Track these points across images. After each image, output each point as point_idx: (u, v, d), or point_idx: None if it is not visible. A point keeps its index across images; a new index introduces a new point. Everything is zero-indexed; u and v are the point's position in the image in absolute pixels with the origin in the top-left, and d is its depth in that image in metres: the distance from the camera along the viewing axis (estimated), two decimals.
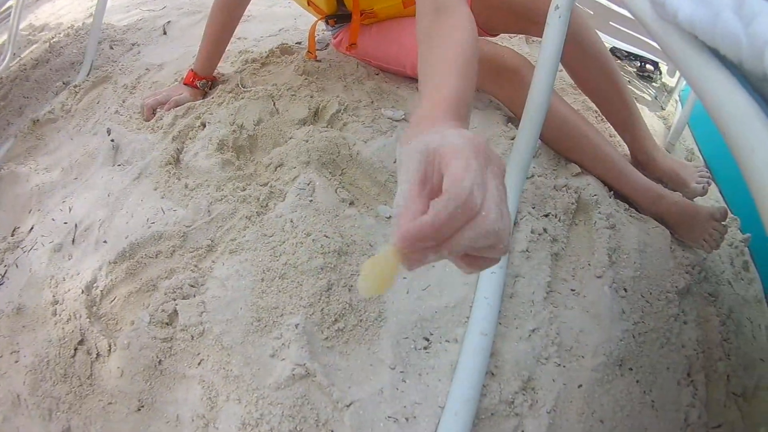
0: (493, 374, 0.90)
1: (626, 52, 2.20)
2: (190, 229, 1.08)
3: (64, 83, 1.94)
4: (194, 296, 0.97)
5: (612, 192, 1.28)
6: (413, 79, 1.50)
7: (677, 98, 2.03)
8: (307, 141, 1.19)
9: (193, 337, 0.93)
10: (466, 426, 0.82)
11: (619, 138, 1.50)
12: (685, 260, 1.16)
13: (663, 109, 1.98)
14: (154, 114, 1.48)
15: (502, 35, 1.83)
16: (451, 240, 0.47)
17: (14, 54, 2.33)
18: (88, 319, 1.01)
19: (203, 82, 1.51)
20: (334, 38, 1.62)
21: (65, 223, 1.24)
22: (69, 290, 1.08)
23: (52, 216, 1.27)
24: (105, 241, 1.14)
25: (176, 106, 1.45)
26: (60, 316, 1.05)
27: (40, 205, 1.35)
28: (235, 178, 1.18)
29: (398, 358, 0.90)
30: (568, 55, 1.34)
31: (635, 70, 2.20)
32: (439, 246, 0.47)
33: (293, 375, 0.86)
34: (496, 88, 1.38)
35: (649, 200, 1.28)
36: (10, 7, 2.54)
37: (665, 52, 0.58)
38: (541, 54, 0.97)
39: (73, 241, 1.18)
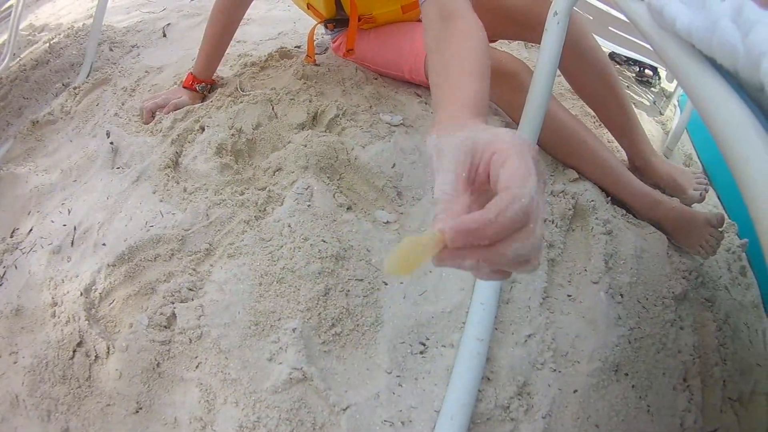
0: (488, 379, 0.90)
1: (625, 57, 2.21)
2: (188, 232, 1.08)
3: (63, 85, 1.94)
4: (192, 300, 0.98)
5: (609, 197, 1.28)
6: (411, 84, 1.51)
7: (676, 103, 2.04)
8: (305, 146, 1.19)
9: (191, 340, 0.93)
10: (461, 430, 0.83)
11: (617, 143, 1.51)
12: (681, 266, 1.16)
13: (661, 114, 1.99)
14: (153, 117, 1.48)
15: (500, 41, 1.84)
16: (498, 246, 0.44)
17: (14, 54, 2.34)
18: (86, 322, 1.01)
19: (202, 85, 1.51)
20: (333, 42, 1.63)
21: (64, 225, 1.24)
22: (68, 292, 1.08)
23: (51, 218, 1.28)
24: (104, 244, 1.14)
25: (175, 110, 1.45)
26: (59, 318, 1.06)
27: (39, 207, 1.35)
28: (234, 182, 1.18)
29: (395, 362, 0.91)
30: (567, 60, 1.34)
31: (634, 75, 2.21)
32: (488, 249, 0.44)
33: (290, 379, 0.86)
34: (494, 93, 1.37)
35: (646, 206, 1.29)
36: (10, 7, 2.55)
37: (662, 59, 0.58)
38: (540, 59, 0.97)
39: (72, 243, 1.19)
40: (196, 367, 0.92)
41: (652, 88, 2.17)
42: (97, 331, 1.01)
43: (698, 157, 1.76)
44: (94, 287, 1.07)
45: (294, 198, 1.08)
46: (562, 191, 1.22)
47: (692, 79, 0.52)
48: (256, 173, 1.22)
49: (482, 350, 0.90)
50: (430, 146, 0.56)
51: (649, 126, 1.83)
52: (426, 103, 1.45)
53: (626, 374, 0.97)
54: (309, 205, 1.08)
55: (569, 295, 1.06)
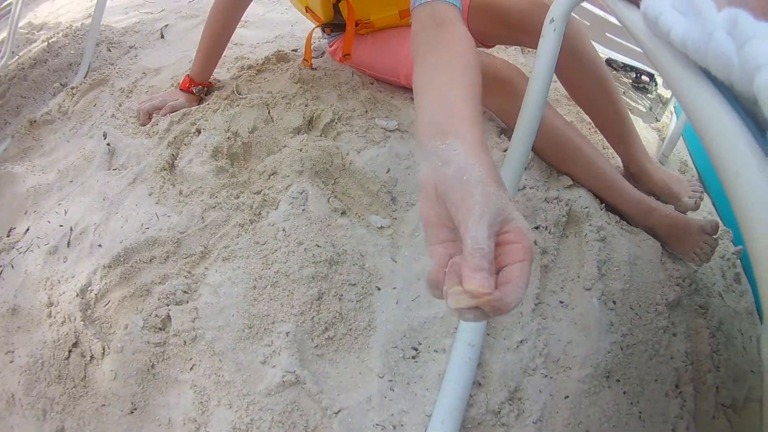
0: (480, 384, 0.91)
1: (622, 63, 2.21)
2: (183, 235, 1.09)
3: (61, 84, 1.95)
4: (187, 302, 0.98)
5: (603, 204, 1.29)
6: (407, 89, 1.51)
7: (672, 110, 2.04)
8: (300, 150, 1.20)
9: (185, 342, 0.94)
10: None
11: (612, 149, 1.51)
12: (675, 273, 1.17)
13: (658, 120, 1.99)
14: (150, 119, 1.49)
15: (497, 46, 1.84)
16: None
17: (13, 52, 2.35)
18: (82, 322, 1.02)
19: (199, 87, 1.52)
20: (330, 46, 1.64)
21: (60, 225, 1.24)
22: (64, 293, 1.09)
23: (47, 218, 1.28)
24: (100, 245, 1.14)
25: (172, 112, 1.46)
26: (55, 318, 1.07)
27: (36, 207, 1.36)
28: (229, 185, 1.19)
29: (387, 366, 0.91)
30: (563, 65, 1.34)
31: (631, 81, 2.21)
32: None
33: (283, 382, 0.87)
34: (490, 99, 1.38)
35: (640, 213, 1.29)
36: (10, 4, 2.55)
37: (656, 68, 0.59)
38: (536, 66, 0.97)
39: (69, 243, 1.19)
40: (191, 369, 0.92)
41: (649, 95, 2.18)
42: (93, 332, 1.01)
43: (694, 164, 1.76)
44: (89, 288, 1.07)
45: (289, 202, 1.09)
46: (556, 198, 1.22)
47: (686, 90, 0.52)
48: (252, 177, 1.23)
49: (474, 356, 0.90)
50: (432, 155, 0.57)
51: (645, 132, 1.84)
52: None
53: (618, 380, 0.97)
54: (303, 210, 1.08)
55: (561, 302, 1.06)
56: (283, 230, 1.04)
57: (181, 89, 1.52)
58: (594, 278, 1.08)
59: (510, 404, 0.89)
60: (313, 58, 1.64)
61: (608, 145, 1.52)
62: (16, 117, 1.88)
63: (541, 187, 1.26)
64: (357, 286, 1.00)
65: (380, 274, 1.04)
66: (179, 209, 1.15)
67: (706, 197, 1.50)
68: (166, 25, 2.28)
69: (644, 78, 2.18)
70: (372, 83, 1.55)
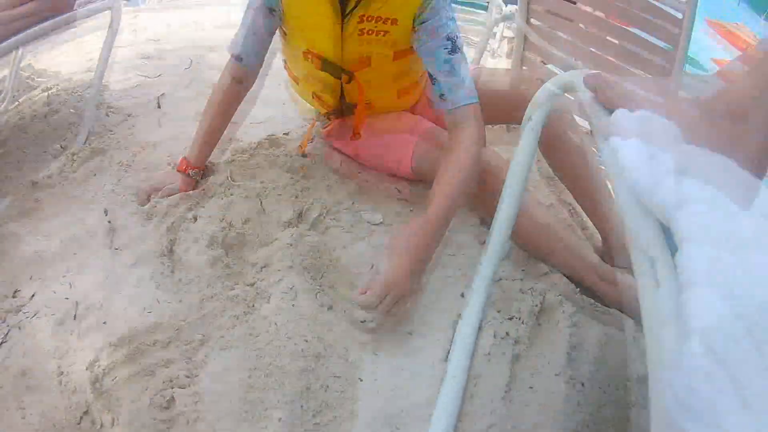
0: None
1: None
2: (183, 323, 1.23)
3: (62, 147, 2.03)
4: (189, 386, 1.13)
5: (579, 288, 1.41)
6: (392, 178, 1.69)
7: None
8: (291, 245, 1.36)
9: (188, 422, 1.08)
10: None
11: (593, 227, 1.65)
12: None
13: None
14: (148, 199, 1.62)
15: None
16: None
17: (14, 96, 2.48)
18: (92, 394, 1.14)
19: (195, 171, 1.66)
20: (324, 128, 1.81)
21: (66, 298, 1.36)
22: (73, 364, 1.21)
23: (53, 288, 1.40)
24: (105, 323, 1.28)
25: (170, 195, 1.60)
26: (65, 386, 1.18)
27: (40, 274, 1.46)
28: (225, 276, 1.34)
29: None
30: (546, 146, 1.52)
31: None
32: None
33: None
34: (478, 192, 1.51)
35: (615, 292, 1.39)
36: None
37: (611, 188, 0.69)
38: (513, 163, 1.04)
39: (75, 317, 1.31)
40: None
41: None
42: (102, 404, 1.14)
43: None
44: (97, 363, 1.19)
45: (280, 297, 1.25)
46: (531, 288, 1.37)
47: (632, 222, 0.57)
48: (245, 268, 1.38)
49: None
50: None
51: None
52: (405, 200, 1.65)
53: None
54: (293, 305, 1.24)
55: (531, 387, 1.20)
56: (275, 324, 1.20)
57: (178, 171, 1.66)
58: (564, 364, 1.22)
59: None
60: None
61: (589, 223, 1.67)
62: (18, 172, 1.95)
63: (518, 277, 1.42)
64: (341, 378, 1.15)
65: (363, 366, 1.19)
66: (179, 297, 1.29)
67: None
68: (163, 94, 2.42)
69: None
70: (359, 172, 1.73)
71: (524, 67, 2.58)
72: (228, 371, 1.14)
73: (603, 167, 1.45)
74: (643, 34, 1.93)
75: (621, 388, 1.21)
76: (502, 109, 1.61)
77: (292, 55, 1.69)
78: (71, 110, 2.35)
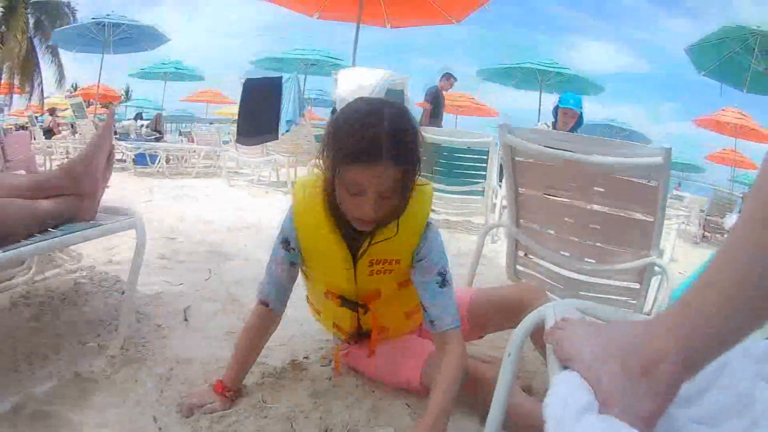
0: None
1: None
2: None
3: (99, 346, 2.26)
4: None
5: None
6: (403, 395, 2.00)
7: None
8: None
9: None
10: None
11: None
12: None
13: None
14: (192, 413, 1.87)
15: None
16: None
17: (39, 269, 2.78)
18: None
19: (231, 393, 1.94)
20: (344, 352, 2.17)
21: None
22: None
23: None
24: None
25: (211, 413, 1.85)
26: None
27: None
28: None
29: None
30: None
31: None
32: None
33: None
34: (474, 395, 1.87)
35: None
36: None
37: None
38: (496, 391, 1.24)
39: None
40: None
41: None
42: None
43: None
44: None
45: None
46: None
47: None
48: None
49: None
50: None
51: None
52: (415, 413, 1.94)
53: None
54: None
55: None
56: None
57: (215, 392, 1.92)
58: None
59: None
60: (322, 366, 2.19)
61: None
62: (56, 354, 2.16)
63: None
64: None
65: None
66: None
67: None
68: (189, 307, 2.75)
69: None
70: (373, 391, 2.06)
71: (518, 266, 2.99)
72: None
73: None
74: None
75: None
76: (512, 310, 1.97)
77: (314, 293, 2.11)
78: (102, 305, 2.66)
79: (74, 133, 14.69)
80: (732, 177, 21.08)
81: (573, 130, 6.53)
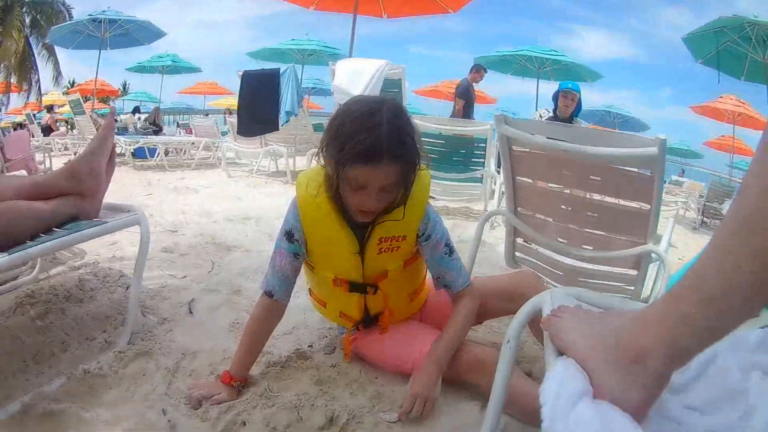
0: None
1: None
2: None
3: (106, 341, 2.31)
4: None
5: None
6: (406, 380, 2.03)
7: None
8: None
9: None
10: None
11: None
12: None
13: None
14: (200, 405, 1.91)
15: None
16: None
17: (42, 267, 2.82)
18: None
19: (238, 383, 1.99)
20: (352, 336, 2.23)
21: None
22: None
23: None
24: None
25: (218, 404, 1.90)
26: None
27: None
28: None
29: None
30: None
31: None
32: None
33: None
34: (477, 379, 1.97)
35: None
36: None
37: None
38: (496, 378, 1.28)
39: None
40: None
41: None
42: None
43: None
44: None
45: None
46: None
47: None
48: None
49: None
50: None
51: None
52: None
53: None
54: None
55: None
56: None
57: (222, 383, 1.98)
58: None
59: None
60: (326, 354, 2.24)
61: None
62: (64, 353, 2.19)
63: None
64: None
65: None
66: None
67: None
68: (193, 300, 2.79)
69: None
70: (377, 378, 2.12)
71: (517, 253, 3.03)
72: None
73: None
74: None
75: None
76: (508, 297, 2.13)
77: (319, 283, 2.14)
78: (107, 301, 2.69)
79: (72, 129, 14.69)
80: (731, 163, 21.14)
81: (573, 114, 6.57)
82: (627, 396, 0.75)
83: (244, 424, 1.80)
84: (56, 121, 18.10)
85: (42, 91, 31.91)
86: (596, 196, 2.50)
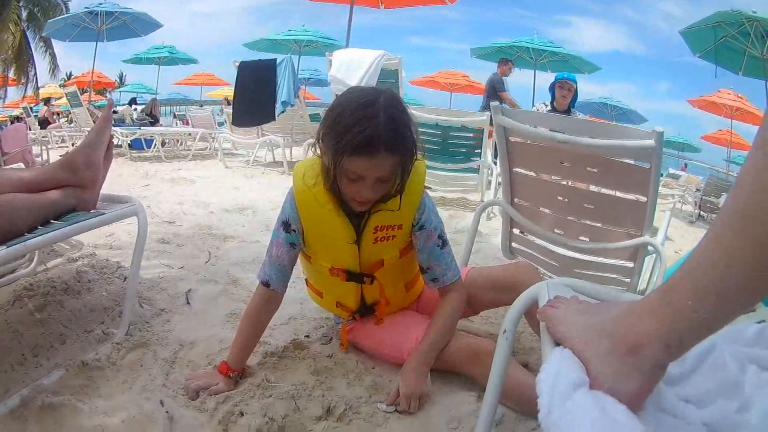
0: None
1: None
2: None
3: (104, 333, 2.30)
4: None
5: None
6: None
7: None
8: None
9: None
10: None
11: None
12: None
13: None
14: (198, 395, 1.92)
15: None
16: None
17: (40, 259, 2.80)
18: None
19: (236, 374, 2.00)
20: (348, 326, 2.23)
21: None
22: None
23: None
24: None
25: (216, 394, 1.91)
26: None
27: None
28: None
29: None
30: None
31: None
32: None
33: None
34: (473, 370, 1.99)
35: None
36: None
37: None
38: (492, 371, 1.29)
39: None
40: None
41: None
42: None
43: None
44: None
45: None
46: None
47: None
48: None
49: None
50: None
51: None
52: None
53: None
54: None
55: None
56: None
57: (219, 373, 1.98)
58: None
59: None
60: (322, 344, 2.24)
61: None
62: (62, 345, 2.20)
63: None
64: None
65: None
66: None
67: None
68: (190, 290, 2.80)
69: None
70: (373, 368, 2.13)
71: (513, 244, 3.03)
72: None
73: None
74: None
75: None
76: (504, 288, 2.12)
77: (316, 274, 2.14)
78: (104, 293, 2.69)
79: (69, 122, 14.64)
80: (728, 157, 21.16)
81: (570, 104, 6.59)
82: (623, 386, 0.75)
83: (242, 414, 1.81)
84: (53, 113, 18.04)
85: (39, 84, 31.72)
86: (593, 188, 2.50)
